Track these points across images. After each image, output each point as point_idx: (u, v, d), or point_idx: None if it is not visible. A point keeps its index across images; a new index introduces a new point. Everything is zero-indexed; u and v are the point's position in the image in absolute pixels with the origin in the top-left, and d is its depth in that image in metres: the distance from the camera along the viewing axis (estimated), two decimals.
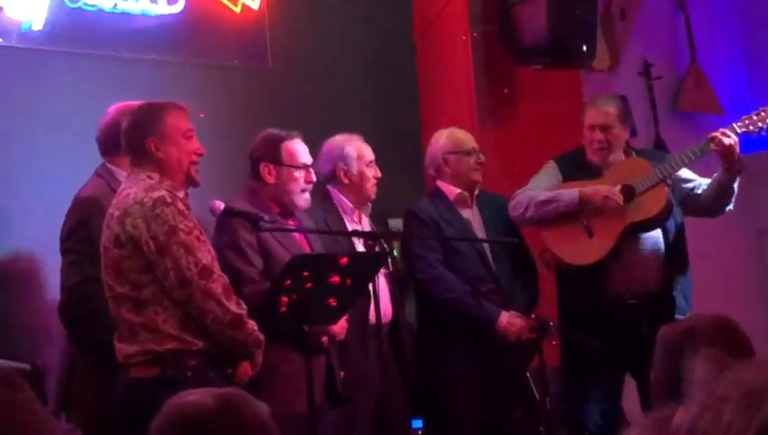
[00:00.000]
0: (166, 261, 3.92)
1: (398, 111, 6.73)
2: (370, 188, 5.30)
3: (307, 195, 4.93)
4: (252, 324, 4.05)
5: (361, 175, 5.27)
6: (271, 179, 4.87)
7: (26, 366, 4.55)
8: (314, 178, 4.97)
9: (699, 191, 5.35)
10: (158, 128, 4.08)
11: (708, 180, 5.37)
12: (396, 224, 6.01)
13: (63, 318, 4.56)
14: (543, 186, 5.45)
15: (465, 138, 5.58)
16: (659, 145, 7.37)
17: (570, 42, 6.37)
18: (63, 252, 4.55)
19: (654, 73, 7.48)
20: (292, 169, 4.87)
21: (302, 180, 4.89)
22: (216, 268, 4.06)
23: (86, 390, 4.47)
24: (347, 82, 6.53)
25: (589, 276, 5.27)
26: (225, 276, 4.09)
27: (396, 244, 5.85)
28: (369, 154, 5.31)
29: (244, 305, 4.06)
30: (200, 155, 4.18)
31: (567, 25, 6.30)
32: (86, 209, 4.40)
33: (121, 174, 4.37)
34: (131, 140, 4.10)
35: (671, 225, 5.36)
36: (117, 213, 3.99)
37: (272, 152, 4.88)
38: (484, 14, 6.64)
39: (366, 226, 5.31)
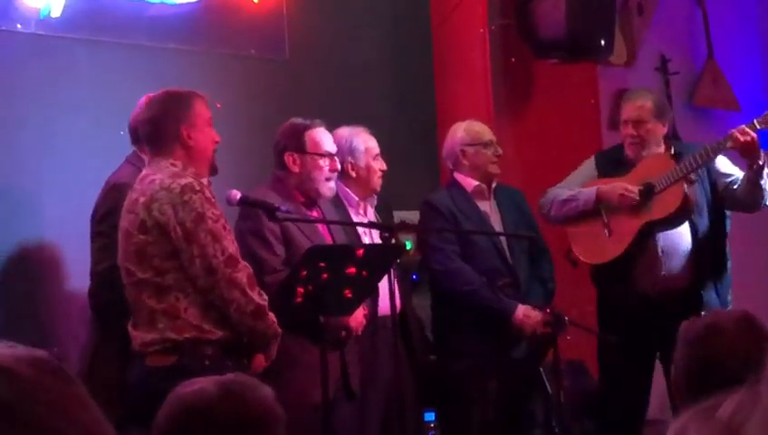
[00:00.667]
0: (192, 248, 3.93)
1: (415, 102, 6.73)
2: (377, 180, 5.29)
3: (332, 183, 4.93)
4: (272, 316, 4.06)
5: (369, 168, 5.26)
6: (295, 168, 4.86)
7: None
8: (339, 167, 4.98)
9: (735, 186, 5.31)
10: (189, 116, 4.11)
11: None
12: (403, 215, 6.00)
13: (92, 303, 4.57)
14: (576, 182, 5.45)
15: (483, 130, 5.57)
16: (675, 139, 7.35)
17: (588, 36, 6.35)
18: (94, 235, 4.57)
19: (671, 69, 7.46)
20: (316, 158, 4.88)
21: (326, 169, 4.89)
22: (241, 258, 4.06)
23: (107, 377, 4.47)
24: (363, 73, 6.52)
25: (616, 274, 5.26)
26: (250, 266, 4.09)
27: (410, 236, 5.84)
28: (375, 147, 5.30)
29: (265, 296, 4.06)
30: (217, 143, 4.20)
31: (585, 20, 6.28)
32: (119, 196, 4.39)
33: None
34: (162, 126, 4.09)
35: (702, 221, 5.31)
36: (142, 198, 3.98)
37: (296, 141, 4.89)
38: (502, 7, 6.63)
39: (372, 218, 5.29)
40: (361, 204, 5.28)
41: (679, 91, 7.54)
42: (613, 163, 5.47)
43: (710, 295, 5.26)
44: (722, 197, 5.34)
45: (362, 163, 5.25)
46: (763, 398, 1.05)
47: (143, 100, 4.69)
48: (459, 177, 5.53)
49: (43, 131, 5.20)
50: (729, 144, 5.10)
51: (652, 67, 7.41)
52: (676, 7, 7.65)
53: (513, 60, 6.64)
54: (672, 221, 5.25)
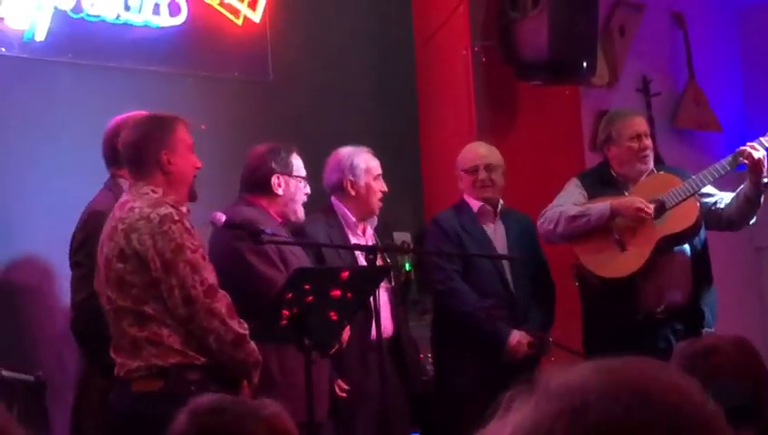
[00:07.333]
0: (171, 279, 3.90)
1: (398, 124, 6.74)
2: (376, 202, 5.28)
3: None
4: (252, 345, 4.04)
5: (368, 188, 5.26)
6: (280, 191, 4.87)
7: (30, 378, 4.53)
8: (309, 191, 5.00)
9: (722, 206, 5.32)
10: (170, 140, 4.08)
11: (729, 194, 5.35)
12: (401, 237, 6.00)
13: (75, 333, 4.54)
14: (570, 202, 5.39)
15: (470, 156, 5.57)
16: (657, 161, 7.38)
17: (570, 57, 6.38)
18: (74, 264, 4.54)
19: (652, 90, 7.50)
20: (299, 180, 4.90)
21: (304, 192, 4.93)
22: (219, 287, 4.05)
23: (97, 405, 4.43)
24: (347, 95, 6.53)
25: (619, 292, 5.22)
26: (228, 296, 4.07)
27: (408, 257, 5.87)
28: (376, 168, 5.31)
29: (245, 325, 4.05)
30: (198, 169, 4.19)
31: (567, 41, 6.31)
32: (96, 224, 4.34)
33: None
34: (142, 151, 4.06)
35: (697, 239, 5.34)
36: (121, 226, 3.96)
37: (283, 164, 4.90)
38: (484, 28, 6.65)
39: (370, 239, 5.28)
40: (360, 224, 5.27)
41: (661, 112, 7.57)
42: (600, 183, 5.44)
43: (707, 312, 5.27)
44: (706, 217, 5.35)
45: (362, 182, 5.25)
46: None
47: (112, 123, 4.66)
48: (467, 197, 5.56)
49: (25, 153, 5.19)
50: (741, 160, 5.14)
51: (634, 88, 7.45)
52: (658, 29, 7.70)
53: (496, 81, 6.66)
54: (686, 237, 5.26)
